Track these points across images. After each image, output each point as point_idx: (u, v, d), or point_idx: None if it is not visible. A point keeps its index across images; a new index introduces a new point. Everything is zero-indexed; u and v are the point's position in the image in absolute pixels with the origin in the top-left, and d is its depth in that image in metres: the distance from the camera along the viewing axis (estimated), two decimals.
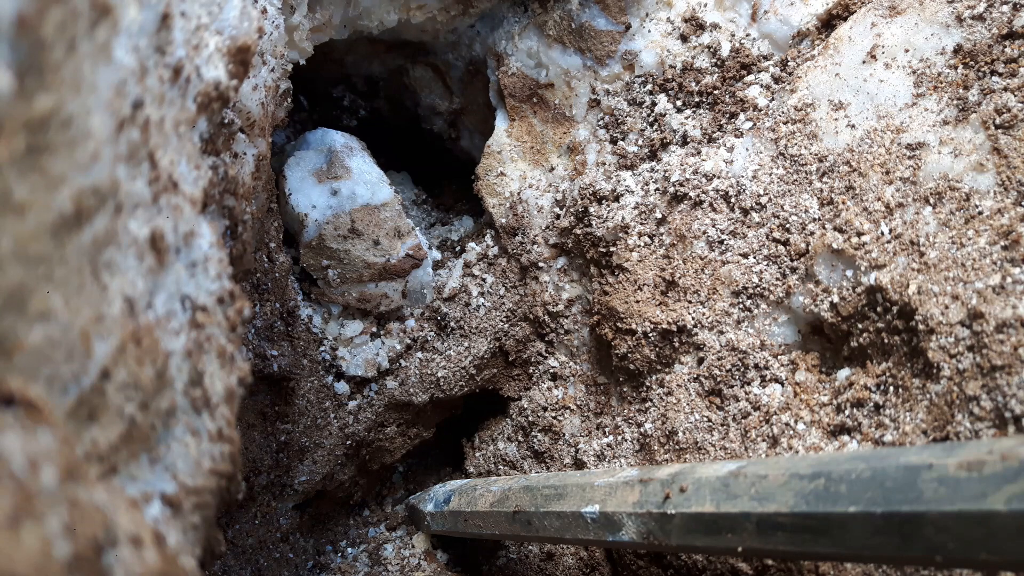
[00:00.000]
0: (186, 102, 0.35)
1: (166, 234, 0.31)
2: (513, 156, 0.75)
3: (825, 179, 0.55)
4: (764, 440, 0.54)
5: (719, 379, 0.58)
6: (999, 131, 0.48)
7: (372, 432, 0.73)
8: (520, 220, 0.72)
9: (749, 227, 0.58)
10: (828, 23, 0.63)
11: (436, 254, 0.77)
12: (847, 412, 0.51)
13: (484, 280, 0.74)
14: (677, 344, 0.61)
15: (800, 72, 0.60)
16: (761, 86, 0.64)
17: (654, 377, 0.63)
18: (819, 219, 0.55)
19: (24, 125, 0.22)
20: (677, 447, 0.59)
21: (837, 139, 0.55)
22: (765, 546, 0.37)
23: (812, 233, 0.55)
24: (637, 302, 0.63)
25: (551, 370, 0.72)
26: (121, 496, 0.26)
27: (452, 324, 0.73)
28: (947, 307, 0.45)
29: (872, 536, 0.32)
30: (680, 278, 0.61)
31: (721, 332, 0.59)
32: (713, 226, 0.60)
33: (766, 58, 0.65)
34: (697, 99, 0.67)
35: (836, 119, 0.56)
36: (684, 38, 0.68)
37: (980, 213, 0.46)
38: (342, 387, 0.71)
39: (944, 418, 0.45)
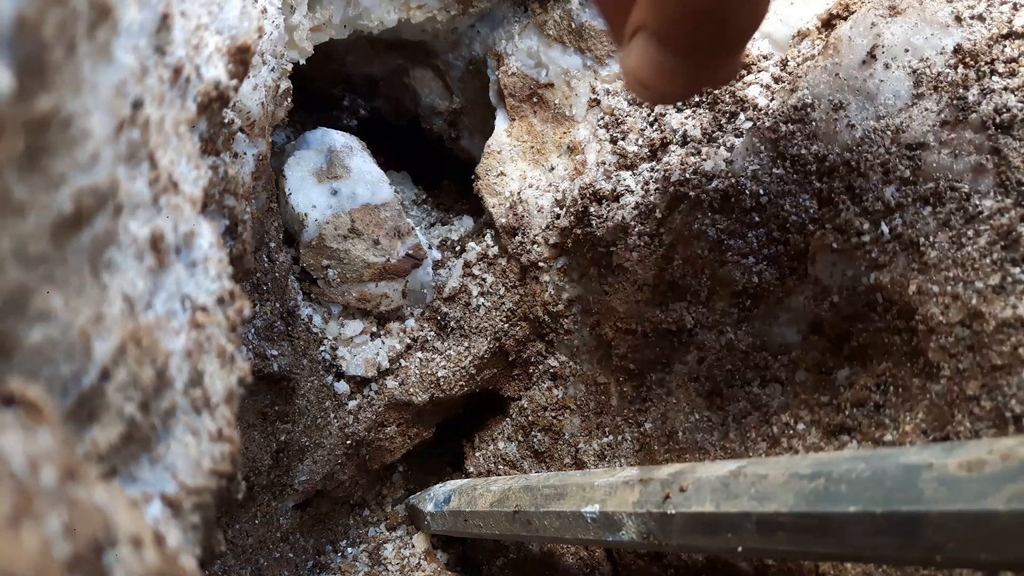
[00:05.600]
0: (186, 102, 0.35)
1: (166, 234, 0.31)
2: (513, 156, 0.75)
3: (825, 179, 0.55)
4: (764, 440, 0.54)
5: (719, 379, 0.58)
6: (999, 131, 0.48)
7: (372, 432, 0.73)
8: (520, 220, 0.72)
9: (749, 227, 0.58)
10: (828, 23, 0.63)
11: (436, 254, 0.77)
12: (847, 412, 0.51)
13: (484, 280, 0.74)
14: (677, 344, 0.61)
15: (800, 72, 0.60)
16: (761, 86, 0.64)
17: (654, 377, 0.63)
18: (819, 219, 0.55)
19: (24, 125, 0.22)
20: (677, 447, 0.59)
21: (837, 139, 0.55)
22: (765, 546, 0.37)
23: (812, 233, 0.55)
24: (637, 302, 0.63)
25: (551, 370, 0.72)
26: (121, 496, 0.26)
27: (452, 324, 0.73)
28: (947, 307, 0.45)
29: (872, 536, 0.32)
30: (680, 278, 0.61)
31: (721, 332, 0.59)
32: (713, 226, 0.60)
33: (766, 58, 0.65)
34: (697, 98, 0.67)
35: (836, 119, 0.56)
36: None
37: (980, 213, 0.46)
38: (342, 387, 0.71)
39: (944, 418, 0.45)
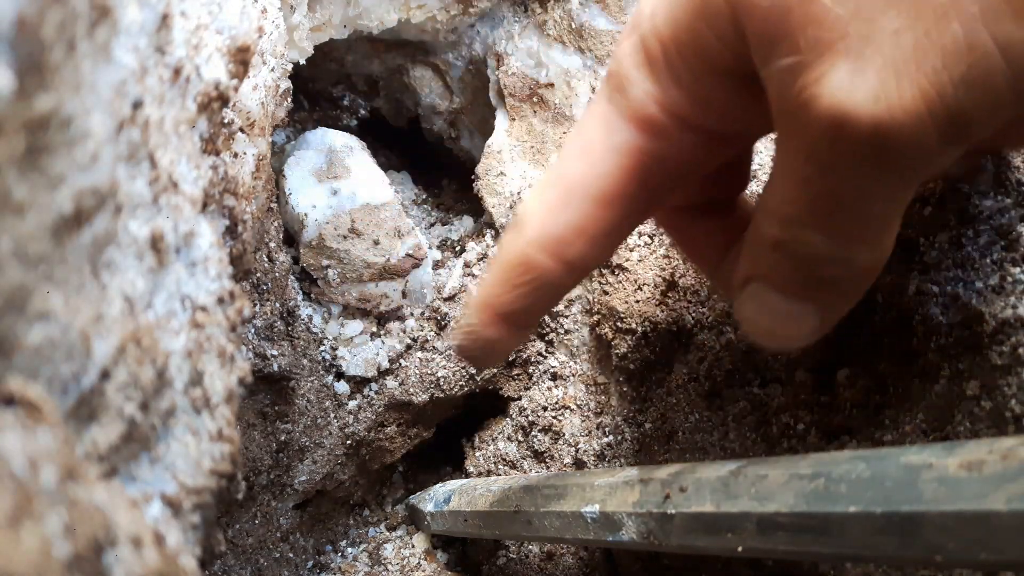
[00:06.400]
0: (186, 102, 0.35)
1: (166, 234, 0.31)
2: (513, 156, 0.75)
3: None
4: (764, 440, 0.54)
5: (719, 379, 0.58)
6: None
7: (372, 432, 0.73)
8: None
9: None
10: None
11: (436, 254, 0.77)
12: (847, 412, 0.51)
13: None
14: (677, 344, 0.61)
15: None
16: None
17: (654, 377, 0.63)
18: None
19: (24, 125, 0.22)
20: (677, 447, 0.59)
21: None
22: (765, 546, 0.36)
23: None
24: (637, 302, 0.63)
25: (551, 370, 0.72)
26: (121, 496, 0.26)
27: (452, 324, 0.73)
28: (947, 307, 0.45)
29: (872, 536, 0.32)
30: (680, 278, 0.61)
31: (721, 332, 0.59)
32: None
33: None
34: None
35: None
36: None
37: (980, 213, 0.46)
38: (342, 387, 0.71)
39: (944, 418, 0.45)
